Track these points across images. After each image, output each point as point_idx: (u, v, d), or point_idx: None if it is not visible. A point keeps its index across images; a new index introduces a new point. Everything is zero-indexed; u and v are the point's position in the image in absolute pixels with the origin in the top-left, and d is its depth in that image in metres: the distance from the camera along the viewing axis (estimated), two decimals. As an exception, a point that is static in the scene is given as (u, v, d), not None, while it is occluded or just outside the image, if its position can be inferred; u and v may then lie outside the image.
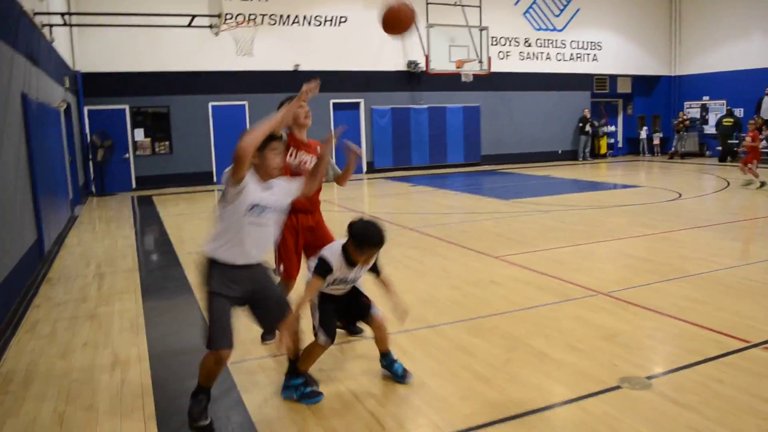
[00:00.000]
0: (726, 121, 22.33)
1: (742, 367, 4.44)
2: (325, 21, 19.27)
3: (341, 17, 19.49)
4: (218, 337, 3.57)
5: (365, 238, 3.78)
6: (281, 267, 4.74)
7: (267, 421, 3.87)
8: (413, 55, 20.25)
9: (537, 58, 22.88)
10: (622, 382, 4.24)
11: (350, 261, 3.88)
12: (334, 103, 19.65)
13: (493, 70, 20.27)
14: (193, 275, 7.51)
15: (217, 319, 3.58)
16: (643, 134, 25.51)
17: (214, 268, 3.64)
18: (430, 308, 5.97)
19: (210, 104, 18.14)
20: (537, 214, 11.36)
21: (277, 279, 4.56)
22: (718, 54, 23.85)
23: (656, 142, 25.45)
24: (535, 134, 23.07)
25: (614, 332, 5.19)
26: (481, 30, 19.33)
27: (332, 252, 3.91)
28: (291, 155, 4.76)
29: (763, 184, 14.50)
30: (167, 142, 17.88)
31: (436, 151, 20.93)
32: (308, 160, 4.83)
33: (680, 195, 13.33)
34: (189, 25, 11.90)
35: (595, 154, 24.39)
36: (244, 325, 4.76)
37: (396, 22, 4.87)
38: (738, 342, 4.90)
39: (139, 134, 17.60)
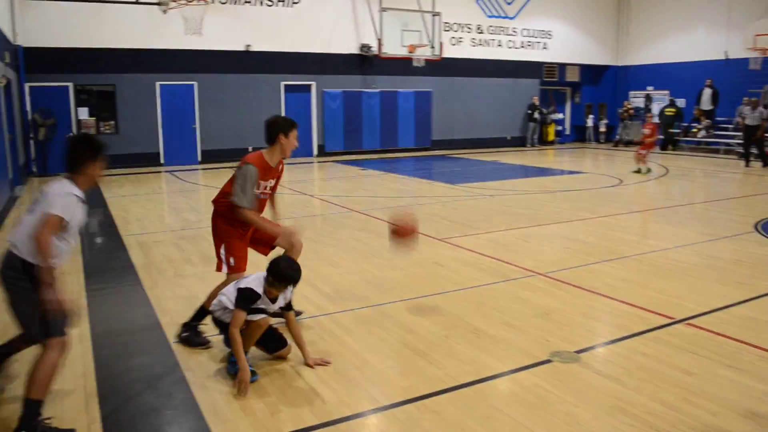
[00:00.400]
0: (668, 111, 22.94)
1: (664, 341, 4.73)
2: (278, 1, 19.05)
3: (293, -2, 19.28)
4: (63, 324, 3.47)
5: (285, 276, 4.17)
6: (231, 260, 4.73)
7: (210, 399, 3.95)
8: (366, 38, 20.20)
9: (488, 44, 23.05)
10: (553, 356, 4.46)
11: (268, 294, 4.22)
12: (285, 85, 19.49)
13: (445, 55, 20.35)
14: (137, 257, 7.48)
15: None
16: (590, 122, 25.97)
17: None
18: (374, 289, 6.11)
19: (158, 83, 17.79)
20: (483, 198, 11.59)
21: (224, 271, 4.76)
22: (663, 46, 24.35)
23: (602, 129, 26.00)
24: (486, 120, 23.30)
25: (548, 310, 5.43)
26: (433, 15, 19.40)
27: (257, 283, 4.20)
28: (258, 186, 4.75)
29: (649, 170, 15.35)
30: (113, 122, 17.50)
31: (387, 136, 20.95)
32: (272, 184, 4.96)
33: (621, 181, 13.71)
34: (137, 2, 11.63)
35: (543, 141, 24.75)
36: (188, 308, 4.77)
37: (402, 240, 5.35)
38: (662, 318, 5.20)
39: (84, 113, 17.18)
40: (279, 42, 19.05)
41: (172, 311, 5.50)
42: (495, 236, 8.33)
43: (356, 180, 14.65)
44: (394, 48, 18.72)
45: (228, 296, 4.27)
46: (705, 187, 13.55)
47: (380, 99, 20.70)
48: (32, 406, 3.40)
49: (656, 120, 22.80)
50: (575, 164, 18.33)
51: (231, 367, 4.26)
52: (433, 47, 19.39)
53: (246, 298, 4.14)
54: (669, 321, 5.15)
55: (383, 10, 18.31)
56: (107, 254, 7.82)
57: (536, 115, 23.83)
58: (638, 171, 15.31)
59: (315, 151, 20.12)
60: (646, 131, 15.59)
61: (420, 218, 9.53)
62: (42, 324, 3.40)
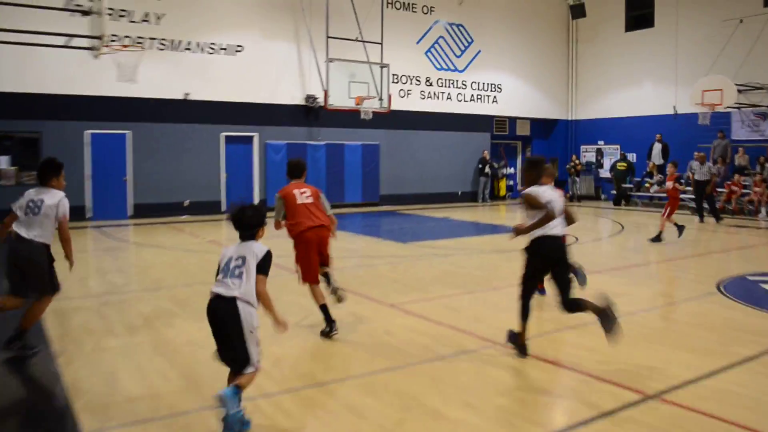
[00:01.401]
0: (620, 165, 23.44)
1: (639, 421, 4.46)
2: (220, 49, 18.89)
3: (237, 46, 19.16)
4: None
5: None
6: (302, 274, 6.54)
7: None
8: (312, 89, 20.16)
9: (438, 97, 23.30)
10: (520, 443, 4.14)
11: None
12: (225, 136, 19.16)
13: (393, 107, 20.45)
14: (52, 326, 6.89)
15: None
16: None
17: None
18: (319, 363, 5.72)
19: (87, 132, 17.21)
20: (435, 258, 11.36)
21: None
22: (613, 100, 25.04)
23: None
24: (436, 174, 23.36)
25: (511, 386, 5.13)
26: (382, 67, 19.50)
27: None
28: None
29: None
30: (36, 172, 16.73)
31: (334, 190, 20.72)
32: None
33: (577, 239, 13.66)
34: (65, 46, 11.22)
35: (494, 196, 24.92)
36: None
37: None
38: (634, 394, 4.95)
39: (4, 162, 16.40)
40: (220, 91, 18.81)
41: (89, 393, 4.97)
42: (449, 301, 8.06)
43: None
44: (340, 99, 18.65)
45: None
46: (661, 244, 13.65)
47: (326, 152, 20.53)
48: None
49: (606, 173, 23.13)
50: (528, 220, 18.33)
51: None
52: (381, 99, 19.41)
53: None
54: (641, 397, 4.90)
55: (330, 60, 18.31)
56: (16, 323, 7.20)
57: (487, 169, 23.97)
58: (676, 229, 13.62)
59: None
60: (669, 185, 13.48)
61: (369, 281, 9.22)
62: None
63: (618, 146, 24.80)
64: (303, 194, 6.59)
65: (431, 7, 23.00)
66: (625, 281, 9.31)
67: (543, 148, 27.01)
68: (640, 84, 24.01)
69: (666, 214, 13.18)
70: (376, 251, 12.14)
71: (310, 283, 6.51)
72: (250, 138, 19.61)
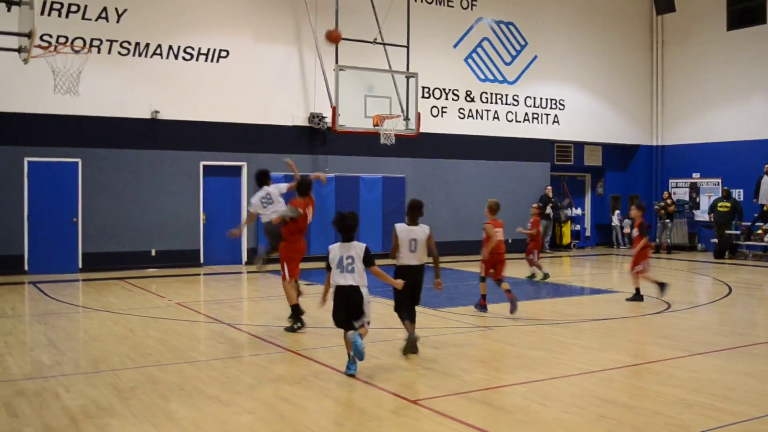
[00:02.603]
0: (722, 206, 22.94)
1: None
2: (199, 54, 18.76)
3: (221, 51, 19.04)
4: None
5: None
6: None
7: None
8: (317, 106, 19.93)
9: (482, 116, 23.08)
10: None
11: None
12: (205, 166, 18.90)
13: (423, 130, 20.16)
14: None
15: None
16: (616, 220, 25.88)
17: None
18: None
19: (26, 159, 16.98)
20: (477, 330, 10.84)
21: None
22: (712, 120, 24.76)
23: (627, 230, 25.66)
24: (478, 216, 22.63)
25: None
26: (408, 77, 19.23)
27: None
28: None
29: (546, 276, 16.36)
30: (-42, 213, 16.52)
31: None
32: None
33: (669, 306, 13.12)
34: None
35: (555, 245, 24.37)
36: None
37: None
38: None
39: None
40: (199, 108, 18.69)
41: None
42: (495, 395, 7.45)
43: (301, 300, 13.65)
44: (354, 119, 18.36)
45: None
46: None
47: (335, 186, 20.17)
48: None
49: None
50: (602, 279, 17.92)
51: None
52: (407, 119, 19.10)
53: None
54: None
55: (340, 68, 18.03)
56: None
57: (549, 210, 23.54)
58: (532, 275, 16.62)
59: (244, 257, 19.37)
60: (528, 226, 16.55)
61: (384, 363, 8.60)
62: None
63: (719, 180, 24.46)
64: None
65: (472, 0, 22.76)
66: (744, 366, 8.61)
67: (619, 183, 26.85)
68: (748, 98, 23.74)
69: None
70: (398, 321, 11.51)
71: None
72: (238, 169, 19.40)
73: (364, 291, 7.96)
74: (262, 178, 11.48)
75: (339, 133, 18.87)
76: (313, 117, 19.99)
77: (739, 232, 22.66)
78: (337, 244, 8.02)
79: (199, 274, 17.58)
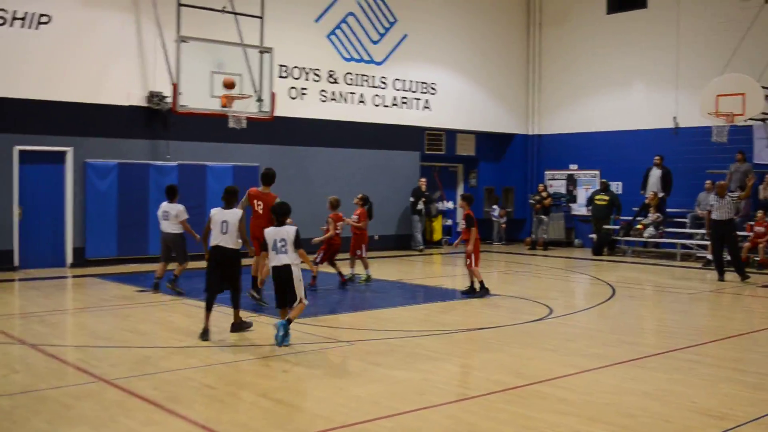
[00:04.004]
0: (599, 199, 23.05)
1: None
2: (14, 19, 17.16)
3: (41, 16, 17.50)
4: None
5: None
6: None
7: None
8: (157, 83, 18.75)
9: (346, 99, 22.53)
10: None
11: None
12: (20, 152, 17.31)
13: (279, 113, 19.29)
14: None
15: None
16: (495, 215, 25.95)
17: None
18: None
19: None
20: (335, 346, 9.81)
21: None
22: (591, 108, 24.95)
23: (503, 224, 25.93)
24: (343, 210, 22.07)
25: None
26: (262, 53, 18.23)
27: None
28: None
29: (369, 278, 15.67)
30: None
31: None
32: None
33: (551, 311, 12.65)
34: None
35: (425, 241, 24.05)
36: None
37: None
38: None
39: None
40: (13, 83, 17.26)
41: None
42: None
43: (131, 311, 12.52)
44: (199, 99, 17.21)
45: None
46: (668, 315, 12.79)
47: (179, 176, 18.95)
48: None
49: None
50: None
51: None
52: (261, 100, 18.09)
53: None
54: None
55: (182, 40, 16.77)
56: None
57: (420, 205, 23.38)
58: (352, 278, 15.73)
59: (69, 259, 18.10)
60: (354, 217, 16.10)
61: (181, 391, 7.39)
62: None
63: (598, 172, 24.64)
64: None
65: (336, -30, 22.39)
66: (643, 384, 7.99)
67: (493, 174, 26.89)
68: (629, 86, 24.05)
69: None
70: (247, 337, 10.34)
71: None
72: (61, 155, 18.03)
73: (295, 270, 9.46)
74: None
75: (181, 115, 17.70)
76: (152, 96, 18.79)
77: (618, 226, 22.83)
78: (272, 228, 9.59)
79: (12, 280, 15.83)
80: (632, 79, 23.91)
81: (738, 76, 19.07)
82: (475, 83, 25.50)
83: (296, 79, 21.45)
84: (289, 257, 9.40)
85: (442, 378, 8.26)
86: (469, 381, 8.39)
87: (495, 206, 25.92)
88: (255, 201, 12.54)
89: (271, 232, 9.52)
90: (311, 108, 21.79)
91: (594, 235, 22.99)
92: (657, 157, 21.97)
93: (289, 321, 9.41)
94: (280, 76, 20.71)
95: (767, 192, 20.19)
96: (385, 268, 17.85)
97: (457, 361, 9.32)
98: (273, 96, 18.38)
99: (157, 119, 18.92)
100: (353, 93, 22.67)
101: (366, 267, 15.75)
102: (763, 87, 18.96)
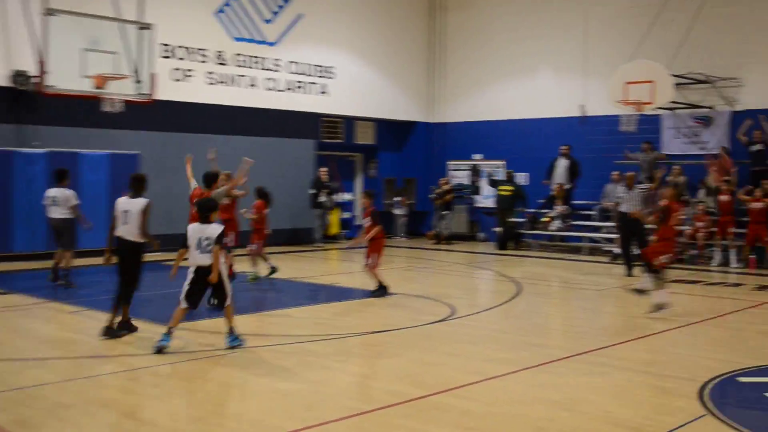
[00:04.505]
0: (504, 190, 23.08)
1: None
2: None
3: None
4: None
5: None
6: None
7: None
8: (23, 61, 17.90)
9: (236, 83, 22.12)
10: None
11: None
12: None
13: (162, 97, 18.94)
14: None
15: None
16: (398, 208, 25.82)
17: None
18: None
19: None
20: (205, 355, 9.23)
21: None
22: (496, 96, 25.05)
23: (404, 216, 25.85)
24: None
25: None
26: (142, 29, 17.79)
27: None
28: None
29: (273, 270, 15.30)
30: None
31: (61, 226, 18.33)
32: None
33: (453, 311, 12.35)
34: None
35: (323, 236, 23.85)
36: None
37: None
38: None
39: None
40: None
41: None
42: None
43: None
44: (70, 79, 16.68)
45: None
46: (577, 314, 12.79)
47: (47, 165, 18.09)
48: None
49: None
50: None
51: None
52: (140, 81, 17.66)
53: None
54: None
55: (50, 12, 16.15)
56: None
57: (323, 198, 23.12)
58: (256, 278, 15.18)
59: None
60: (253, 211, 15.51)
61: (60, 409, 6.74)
62: None
63: (504, 162, 24.68)
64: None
65: (225, -57, 21.96)
66: (556, 393, 7.69)
67: (394, 164, 26.82)
68: (536, 73, 24.23)
69: None
70: (112, 349, 9.64)
71: None
72: None
73: (223, 269, 9.19)
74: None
75: (50, 97, 17.10)
76: (17, 75, 17.92)
77: (523, 219, 22.92)
78: (195, 225, 9.21)
79: None
80: (539, 66, 24.03)
81: (647, 64, 19.23)
82: (376, 68, 25.36)
83: (180, 59, 20.89)
84: (216, 257, 9.03)
85: (334, 390, 7.82)
86: (365, 392, 7.92)
87: (397, 198, 25.77)
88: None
89: (195, 229, 9.11)
90: (197, 91, 21.26)
91: (499, 229, 23.00)
92: (563, 147, 22.15)
93: (231, 330, 9.23)
94: (163, 56, 20.13)
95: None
96: (277, 266, 17.33)
97: (351, 369, 8.88)
98: (153, 77, 18.07)
99: (22, 101, 18.12)
100: (244, 76, 22.23)
101: (254, 265, 15.27)
102: (673, 75, 19.20)
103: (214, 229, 9.07)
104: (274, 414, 6.92)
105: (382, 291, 13.44)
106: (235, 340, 9.19)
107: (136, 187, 10.08)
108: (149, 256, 10.95)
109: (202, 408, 7.19)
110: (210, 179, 12.52)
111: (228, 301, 9.14)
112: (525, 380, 8.23)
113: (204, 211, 9.23)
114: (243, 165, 13.62)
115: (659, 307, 11.77)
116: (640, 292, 12.49)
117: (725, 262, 18.52)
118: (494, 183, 23.55)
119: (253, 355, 9.17)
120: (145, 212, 9.85)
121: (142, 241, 9.86)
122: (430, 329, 10.99)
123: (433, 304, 12.81)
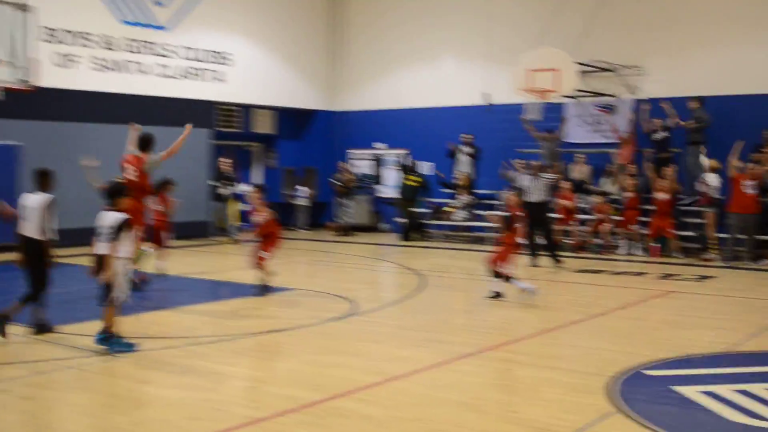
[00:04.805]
0: (408, 180, 23.15)
1: None
2: None
3: None
4: None
5: None
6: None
7: None
8: None
9: (125, 69, 21.65)
10: None
11: None
12: None
13: (44, 84, 18.49)
14: None
15: None
16: (299, 198, 25.69)
17: None
18: None
19: None
20: (80, 362, 8.73)
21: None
22: (398, 83, 25.21)
23: (305, 206, 25.72)
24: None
25: None
26: (21, 9, 17.54)
27: None
28: None
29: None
30: None
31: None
32: None
33: (355, 306, 12.20)
34: None
35: (219, 229, 23.60)
36: None
37: None
38: None
39: None
40: None
41: None
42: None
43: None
44: None
45: None
46: (481, 307, 12.62)
47: None
48: None
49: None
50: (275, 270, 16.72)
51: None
52: (19, 68, 17.33)
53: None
54: None
55: None
56: None
57: (226, 190, 22.80)
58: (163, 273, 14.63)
59: None
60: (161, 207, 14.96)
61: None
62: None
63: (407, 151, 24.78)
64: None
65: None
66: (461, 394, 7.47)
67: (295, 154, 26.80)
68: (437, 59, 24.32)
69: None
70: None
71: None
72: None
73: (117, 262, 8.69)
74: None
75: None
76: None
77: (427, 210, 23.08)
78: (103, 212, 8.97)
79: None
80: (443, 53, 24.16)
81: (552, 51, 19.48)
82: (275, 54, 25.27)
83: (64, 43, 20.35)
84: (108, 247, 8.68)
85: (223, 396, 7.48)
86: (257, 398, 7.58)
87: (299, 188, 25.64)
88: None
89: (100, 216, 8.90)
90: (83, 78, 20.74)
91: (403, 219, 23.08)
92: (466, 135, 22.29)
93: (106, 330, 8.73)
94: (45, 40, 19.59)
95: (579, 172, 20.91)
96: (168, 261, 16.86)
97: (243, 373, 8.59)
98: (34, 63, 17.70)
99: None
100: (134, 62, 21.79)
101: (160, 260, 14.95)
102: (577, 63, 19.46)
103: (116, 218, 8.70)
104: (158, 426, 6.54)
105: (264, 289, 13.07)
106: (104, 342, 8.68)
107: (37, 182, 9.79)
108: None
109: (76, 422, 6.76)
110: (146, 142, 12.84)
111: (108, 301, 8.70)
112: (429, 380, 8.06)
113: (109, 196, 8.99)
114: (185, 131, 14.24)
115: (497, 294, 12.50)
116: (496, 295, 12.62)
117: (630, 252, 18.88)
118: (405, 169, 23.60)
119: (135, 359, 8.73)
120: (47, 209, 9.52)
121: (42, 239, 9.49)
122: (329, 327, 10.76)
123: (334, 300, 12.59)
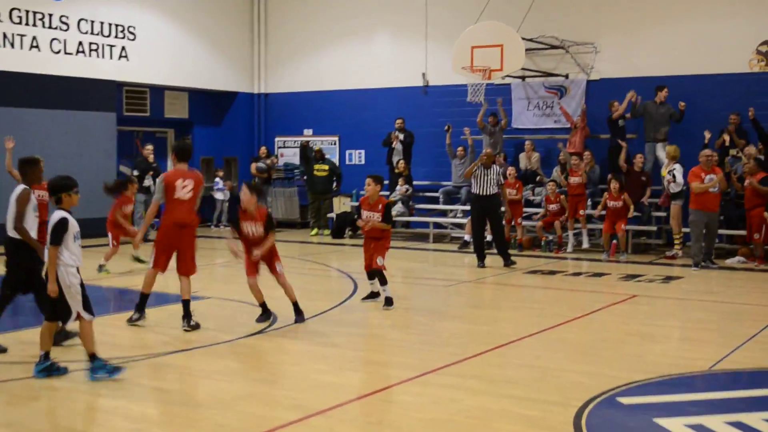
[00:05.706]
0: (319, 170, 23.00)
1: None
2: None
3: None
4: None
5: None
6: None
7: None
8: None
9: (16, 44, 20.76)
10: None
11: None
12: None
13: None
14: None
15: None
16: (219, 192, 25.03)
17: None
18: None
19: None
20: None
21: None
22: (328, 63, 25.06)
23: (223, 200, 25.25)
24: (10, 188, 19.91)
25: None
26: None
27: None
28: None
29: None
30: None
31: None
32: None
33: (274, 319, 11.31)
34: None
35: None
36: None
37: None
38: None
39: None
40: None
41: None
42: None
43: None
44: None
45: None
46: (421, 318, 11.99)
47: None
48: None
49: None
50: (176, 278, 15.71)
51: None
52: None
53: None
54: None
55: None
56: None
57: (148, 181, 21.94)
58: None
59: None
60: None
61: None
62: None
63: (337, 138, 24.81)
64: (184, 188, 10.60)
65: None
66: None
67: (213, 141, 26.38)
68: (371, 37, 24.32)
69: None
70: None
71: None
72: None
73: (60, 272, 7.72)
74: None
75: None
76: None
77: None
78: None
79: None
80: (376, 30, 24.06)
81: (495, 25, 19.09)
82: (188, 29, 24.68)
83: None
84: (51, 259, 7.74)
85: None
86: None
87: (218, 179, 24.95)
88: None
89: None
90: None
91: (315, 216, 23.09)
92: (399, 120, 22.00)
93: (92, 356, 7.88)
94: None
95: (528, 161, 20.70)
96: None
97: (125, 408, 7.42)
98: None
99: None
100: (24, 35, 20.84)
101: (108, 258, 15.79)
102: (524, 39, 19.04)
103: (53, 217, 7.78)
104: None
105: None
106: (98, 371, 7.92)
107: (24, 171, 9.21)
108: None
109: None
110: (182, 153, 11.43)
111: (74, 317, 7.87)
112: (358, 416, 7.20)
113: (51, 193, 7.98)
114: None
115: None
116: (373, 295, 12.49)
117: (578, 245, 18.63)
118: (311, 157, 23.22)
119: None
120: (22, 203, 8.77)
121: (17, 237, 8.78)
122: (242, 346, 9.84)
123: (252, 311, 11.49)
